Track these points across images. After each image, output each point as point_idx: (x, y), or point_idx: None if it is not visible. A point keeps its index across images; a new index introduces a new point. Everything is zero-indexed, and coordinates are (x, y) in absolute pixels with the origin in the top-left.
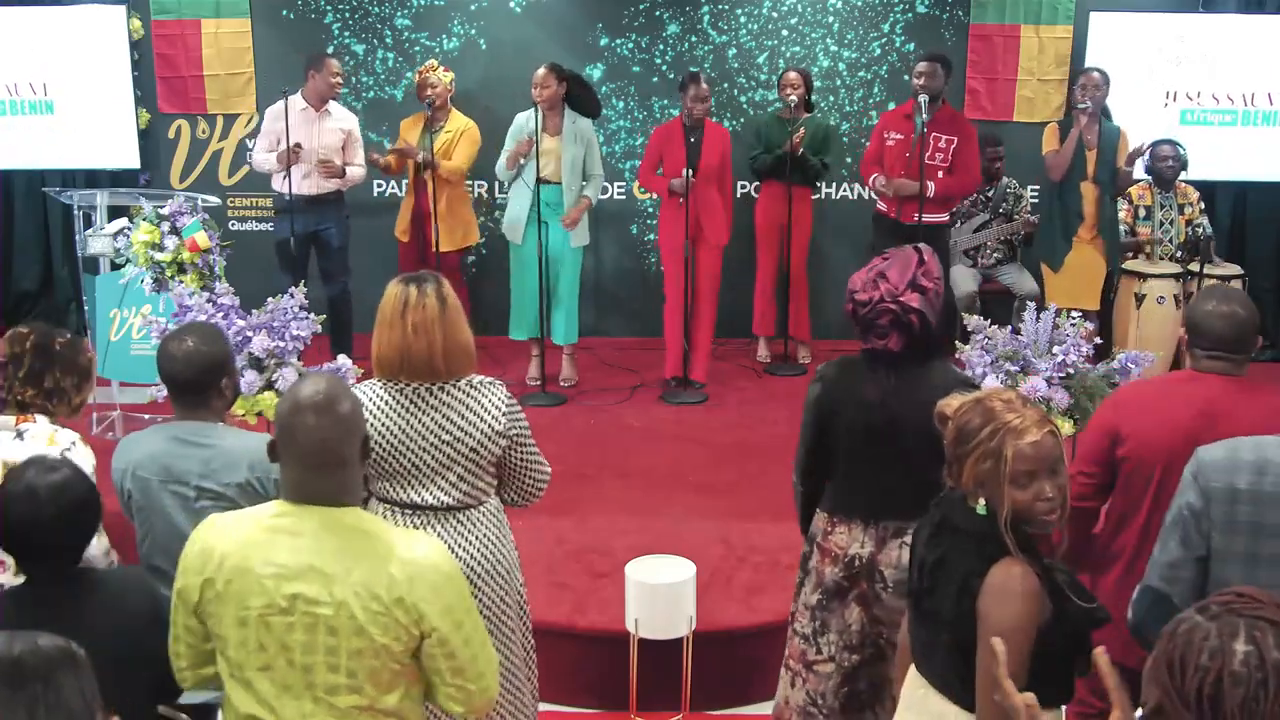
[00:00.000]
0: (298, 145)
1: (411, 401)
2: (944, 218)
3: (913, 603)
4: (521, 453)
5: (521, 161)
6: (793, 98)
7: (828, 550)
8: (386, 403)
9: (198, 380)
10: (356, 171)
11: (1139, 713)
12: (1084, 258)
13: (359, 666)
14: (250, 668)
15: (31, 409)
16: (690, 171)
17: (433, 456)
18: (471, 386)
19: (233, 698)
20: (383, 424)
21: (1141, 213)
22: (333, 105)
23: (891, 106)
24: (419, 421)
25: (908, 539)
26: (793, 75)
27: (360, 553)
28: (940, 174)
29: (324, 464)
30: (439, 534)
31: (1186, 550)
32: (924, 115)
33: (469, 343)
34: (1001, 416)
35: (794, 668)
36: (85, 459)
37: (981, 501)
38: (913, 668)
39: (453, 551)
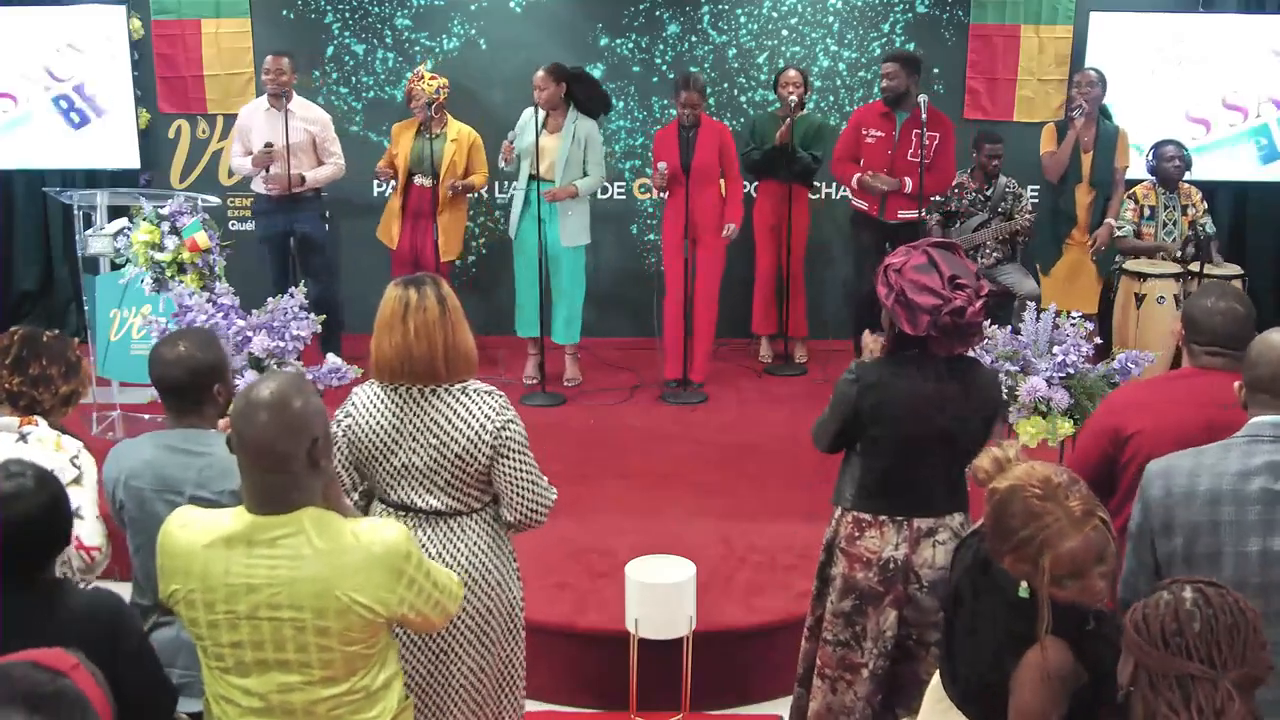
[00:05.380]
0: (269, 144)
1: (405, 402)
2: (913, 214)
3: (945, 624)
4: (507, 466)
5: (502, 164)
6: (792, 96)
7: (857, 555)
8: (382, 402)
9: (190, 385)
10: (324, 171)
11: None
12: (1078, 261)
13: (332, 658)
14: (225, 660)
15: (21, 401)
16: (664, 165)
17: (421, 459)
18: (465, 394)
19: (210, 682)
20: (376, 424)
21: (1146, 212)
22: (297, 103)
23: None
24: (409, 422)
25: (940, 537)
26: (792, 73)
27: (316, 555)
28: (921, 172)
29: (269, 464)
30: (429, 537)
31: (1139, 562)
32: (923, 116)
33: (470, 345)
34: (1040, 520)
35: (832, 674)
36: (91, 468)
37: (1024, 585)
38: (936, 677)
39: (440, 557)
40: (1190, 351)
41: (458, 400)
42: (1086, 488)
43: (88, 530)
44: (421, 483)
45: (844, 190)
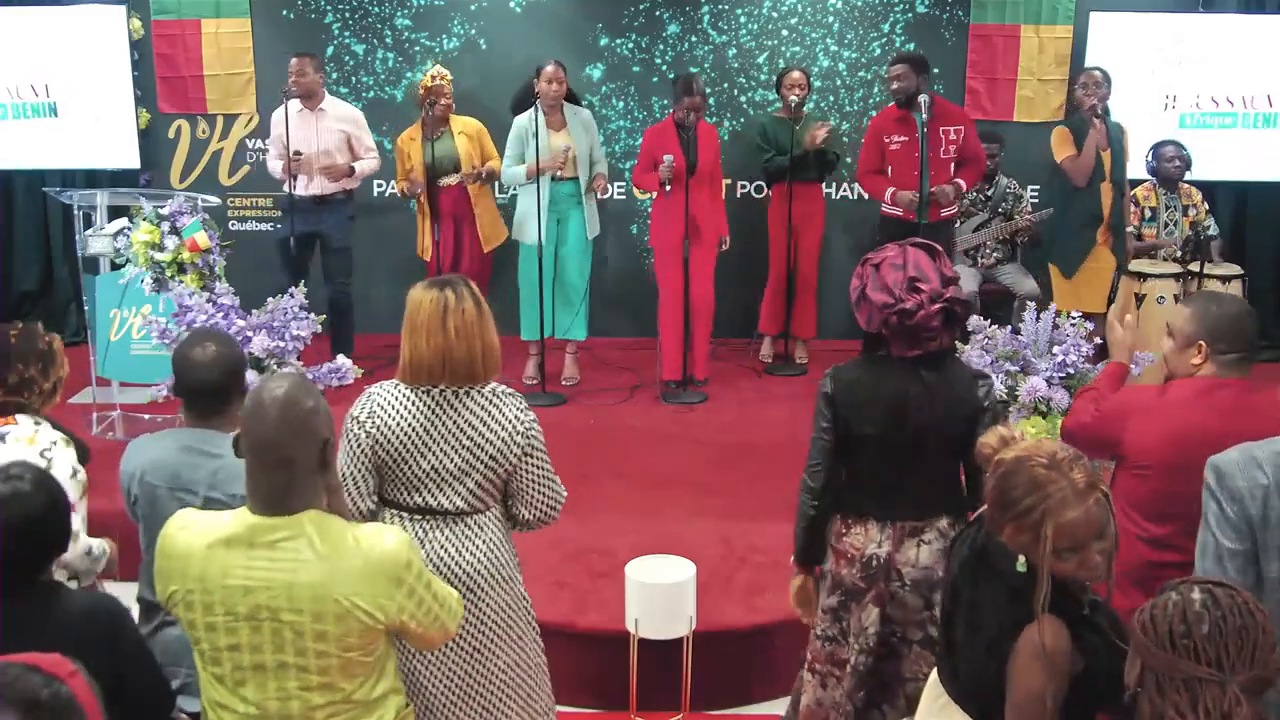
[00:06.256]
0: (298, 153)
1: (437, 404)
2: (952, 210)
3: (943, 617)
4: (534, 465)
5: (556, 173)
6: (793, 98)
7: (843, 552)
8: (411, 404)
9: (223, 385)
10: (367, 165)
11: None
12: (1098, 260)
13: (329, 663)
14: (222, 665)
15: (8, 409)
16: (671, 158)
17: (452, 461)
18: (495, 395)
19: (207, 687)
20: (406, 425)
21: (1147, 214)
22: (329, 103)
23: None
24: (442, 425)
25: (925, 536)
26: (797, 75)
27: (317, 559)
28: (952, 166)
29: (278, 463)
30: (447, 537)
31: (1241, 550)
32: (925, 115)
33: (498, 344)
34: (1044, 489)
35: (821, 669)
36: (65, 460)
37: (1022, 559)
38: (934, 675)
39: (459, 555)
40: (1217, 363)
41: (489, 402)
42: (1090, 464)
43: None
44: (449, 484)
45: (843, 190)
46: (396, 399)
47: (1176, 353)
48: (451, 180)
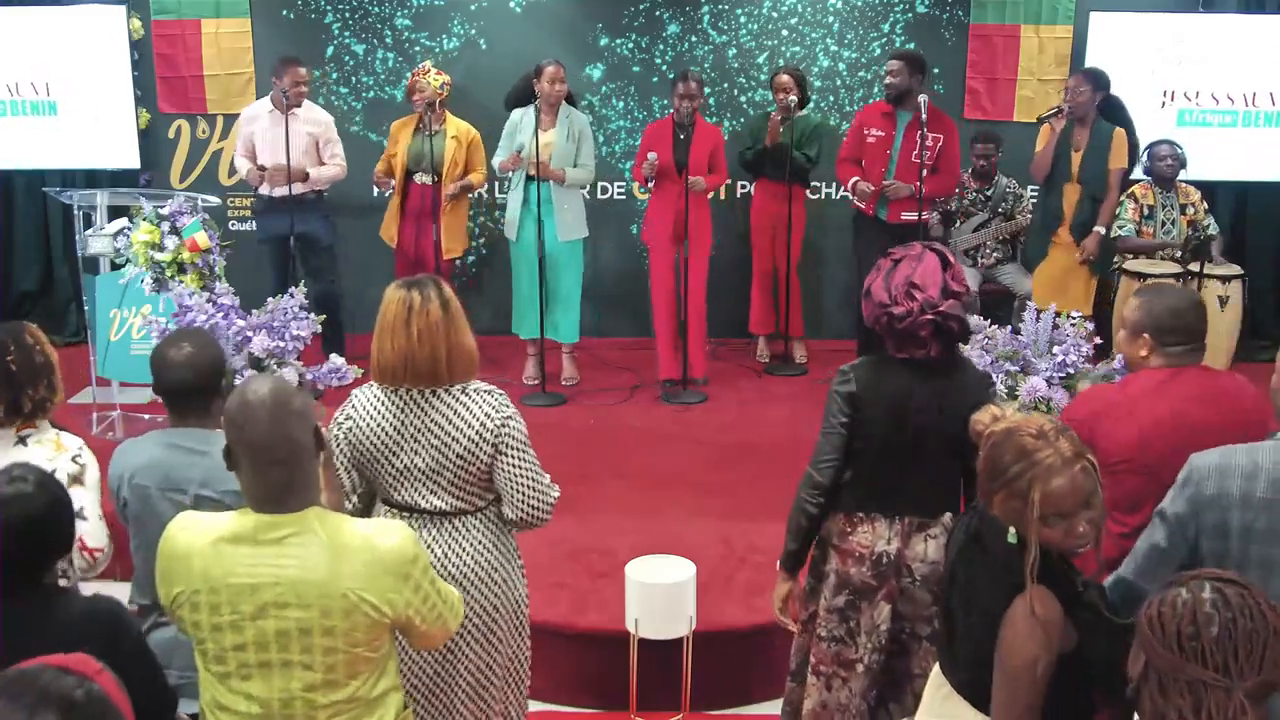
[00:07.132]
0: (262, 167)
1: (406, 405)
2: (924, 215)
3: (942, 606)
4: (508, 463)
5: (529, 171)
6: (791, 99)
7: (849, 551)
8: (383, 404)
9: (197, 386)
10: (326, 171)
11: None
12: (1065, 261)
13: (335, 661)
14: (227, 664)
15: (23, 427)
16: (654, 156)
17: (423, 460)
18: (464, 393)
19: (207, 687)
20: (378, 425)
21: (1145, 212)
22: (302, 106)
23: None
24: (411, 424)
25: (932, 531)
26: (784, 78)
27: (324, 554)
28: (925, 172)
29: (269, 462)
30: (434, 537)
31: (1169, 552)
32: (923, 115)
33: (472, 346)
34: (1031, 456)
35: (827, 671)
36: (94, 464)
37: (1012, 530)
38: (936, 667)
39: (446, 557)
40: (1163, 355)
41: (458, 400)
42: (1078, 436)
43: (91, 530)
44: (425, 484)
45: (843, 191)
46: (371, 400)
47: (1125, 342)
48: (425, 179)
